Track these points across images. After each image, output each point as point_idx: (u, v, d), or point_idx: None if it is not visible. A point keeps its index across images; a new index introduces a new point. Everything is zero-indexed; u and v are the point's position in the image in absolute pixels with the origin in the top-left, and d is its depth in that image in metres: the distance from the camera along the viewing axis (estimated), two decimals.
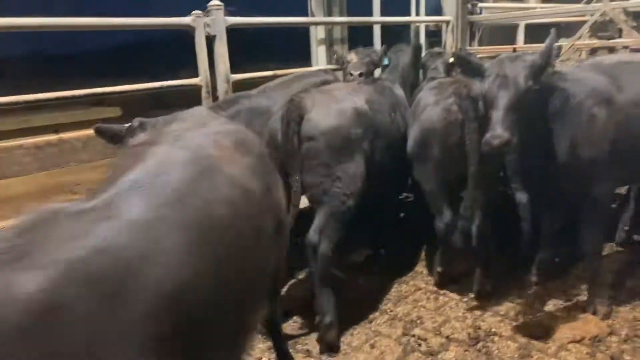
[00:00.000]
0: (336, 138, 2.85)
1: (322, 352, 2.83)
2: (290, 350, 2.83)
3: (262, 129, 3.02)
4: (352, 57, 3.85)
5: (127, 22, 3.44)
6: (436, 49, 4.25)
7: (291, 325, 3.10)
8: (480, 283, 3.25)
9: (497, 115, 2.47)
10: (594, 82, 2.82)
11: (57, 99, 3.10)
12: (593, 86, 2.79)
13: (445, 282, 3.45)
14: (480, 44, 6.31)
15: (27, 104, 2.94)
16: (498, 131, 2.42)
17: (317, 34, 7.62)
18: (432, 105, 3.15)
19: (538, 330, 2.88)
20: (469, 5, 6.05)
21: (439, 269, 3.45)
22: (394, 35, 6.65)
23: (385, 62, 4.03)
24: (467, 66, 2.82)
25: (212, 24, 3.68)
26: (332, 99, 3.03)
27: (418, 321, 3.06)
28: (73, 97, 3.12)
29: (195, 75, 3.67)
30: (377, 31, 5.83)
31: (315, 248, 2.84)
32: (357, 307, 3.24)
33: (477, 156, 2.89)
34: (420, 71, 4.23)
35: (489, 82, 2.57)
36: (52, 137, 3.11)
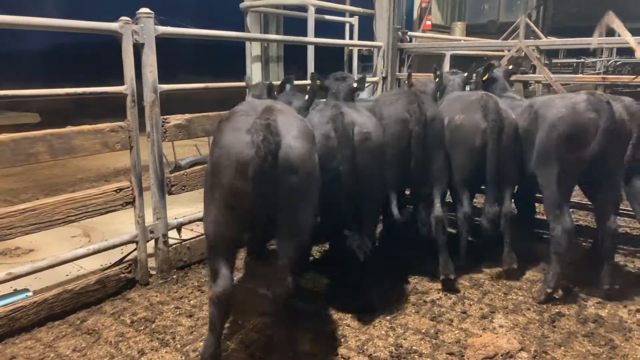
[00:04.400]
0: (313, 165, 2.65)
1: None
2: None
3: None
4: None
5: (51, 23, 3.25)
6: (340, 73, 4.08)
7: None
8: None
9: None
10: None
11: None
12: None
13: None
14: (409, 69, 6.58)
15: None
16: None
17: (253, 50, 7.63)
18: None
19: (455, 347, 2.98)
20: (400, 33, 6.30)
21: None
22: (328, 57, 6.79)
23: None
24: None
25: (140, 32, 3.57)
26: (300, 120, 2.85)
27: (342, 340, 3.06)
28: None
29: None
30: (310, 52, 5.92)
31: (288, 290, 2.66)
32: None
33: (351, 180, 3.10)
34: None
35: None
36: None
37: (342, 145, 3.12)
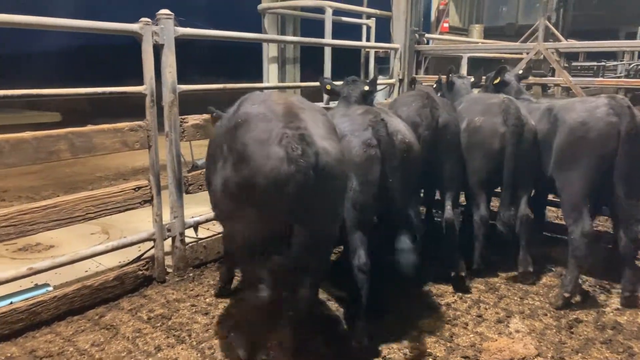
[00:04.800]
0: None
1: None
2: None
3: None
4: None
5: (74, 24, 3.31)
6: (351, 77, 4.03)
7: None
8: None
9: None
10: None
11: None
12: None
13: None
14: (426, 73, 6.57)
15: None
16: None
17: (270, 52, 7.69)
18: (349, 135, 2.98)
19: (470, 350, 2.96)
20: (417, 35, 6.29)
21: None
22: (344, 59, 6.81)
23: None
24: None
25: (160, 33, 3.62)
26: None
27: None
28: (5, 97, 2.95)
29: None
30: (327, 54, 5.93)
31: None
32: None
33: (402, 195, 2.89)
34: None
35: None
36: None
37: (388, 156, 2.88)
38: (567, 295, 3.48)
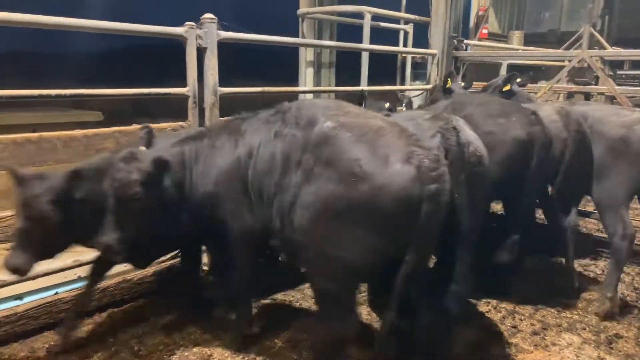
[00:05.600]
0: None
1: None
2: None
3: None
4: None
5: (120, 27, 3.44)
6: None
7: None
8: None
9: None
10: None
11: (39, 96, 3.05)
12: None
13: None
14: (464, 80, 6.48)
15: (7, 99, 2.91)
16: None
17: (307, 56, 7.77)
18: None
19: None
20: (455, 41, 6.23)
21: None
22: (380, 63, 6.81)
23: None
24: None
25: (204, 36, 3.72)
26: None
27: None
28: (57, 96, 3.09)
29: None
30: (365, 58, 5.94)
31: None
32: None
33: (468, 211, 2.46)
34: None
35: None
36: (32, 135, 3.04)
37: (456, 169, 2.43)
38: (610, 295, 3.42)
